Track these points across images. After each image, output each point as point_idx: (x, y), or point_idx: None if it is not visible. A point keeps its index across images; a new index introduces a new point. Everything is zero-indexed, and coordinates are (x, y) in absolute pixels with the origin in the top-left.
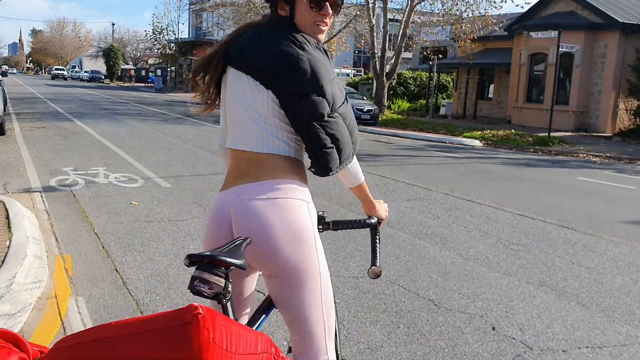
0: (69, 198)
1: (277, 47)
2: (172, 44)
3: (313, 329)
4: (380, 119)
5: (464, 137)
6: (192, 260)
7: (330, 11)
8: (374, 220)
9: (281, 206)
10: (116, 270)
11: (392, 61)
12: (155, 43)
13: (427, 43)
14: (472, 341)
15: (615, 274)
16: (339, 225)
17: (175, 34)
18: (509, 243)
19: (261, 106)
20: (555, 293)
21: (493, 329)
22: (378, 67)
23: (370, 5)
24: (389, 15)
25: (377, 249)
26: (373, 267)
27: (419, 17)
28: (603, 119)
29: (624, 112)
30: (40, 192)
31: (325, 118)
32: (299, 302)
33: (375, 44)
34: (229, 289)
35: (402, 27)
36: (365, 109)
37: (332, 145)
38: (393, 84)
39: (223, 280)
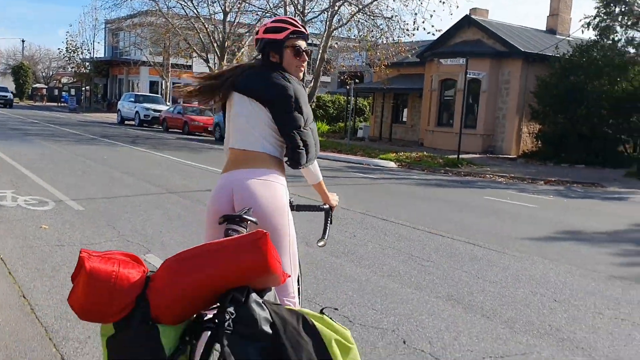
0: None
1: (273, 80)
2: (87, 63)
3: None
4: None
5: (380, 158)
6: (226, 217)
7: (306, 58)
8: (326, 207)
9: (268, 186)
10: (24, 297)
11: (312, 84)
12: (69, 62)
13: (345, 68)
14: (384, 355)
15: (517, 287)
16: (301, 208)
17: (90, 53)
18: (420, 260)
19: (259, 119)
20: (462, 306)
21: (404, 342)
22: None
23: None
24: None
25: (328, 228)
26: (322, 240)
27: (337, 43)
28: (508, 142)
29: (527, 135)
30: None
31: (301, 129)
32: None
33: None
34: None
35: (320, 51)
36: None
37: (303, 148)
38: (313, 107)
39: (245, 230)
